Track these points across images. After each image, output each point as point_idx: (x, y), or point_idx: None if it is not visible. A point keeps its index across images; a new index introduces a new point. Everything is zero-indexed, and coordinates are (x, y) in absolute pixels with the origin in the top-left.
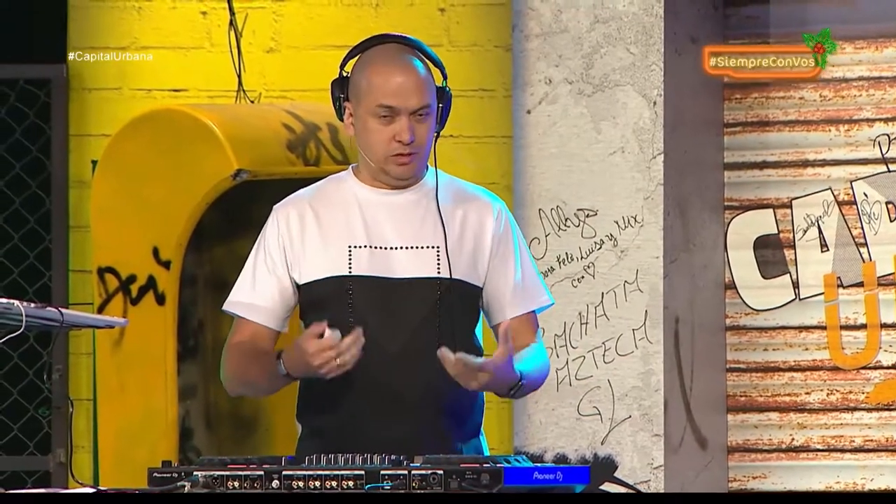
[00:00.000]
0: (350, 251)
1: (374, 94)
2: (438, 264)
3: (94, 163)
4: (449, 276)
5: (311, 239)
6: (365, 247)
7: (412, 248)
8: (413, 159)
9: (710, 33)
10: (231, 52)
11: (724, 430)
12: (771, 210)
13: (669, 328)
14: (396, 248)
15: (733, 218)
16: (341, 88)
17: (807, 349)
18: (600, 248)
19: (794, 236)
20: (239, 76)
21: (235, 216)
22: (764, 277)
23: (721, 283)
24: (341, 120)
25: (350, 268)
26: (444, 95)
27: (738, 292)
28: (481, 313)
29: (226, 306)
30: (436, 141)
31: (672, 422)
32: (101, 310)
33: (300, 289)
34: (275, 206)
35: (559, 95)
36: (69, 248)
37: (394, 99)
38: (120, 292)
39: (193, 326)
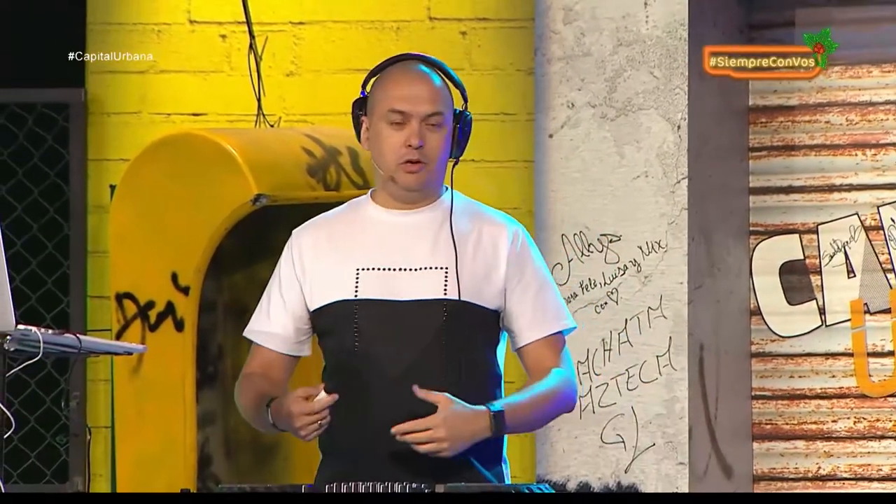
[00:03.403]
0: (358, 274)
1: (386, 100)
2: (446, 286)
3: (113, 187)
4: (457, 298)
5: (324, 263)
6: (373, 269)
7: (421, 269)
8: (422, 169)
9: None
10: (251, 75)
11: (750, 459)
12: (797, 235)
13: (694, 355)
14: (405, 270)
15: (759, 243)
16: (360, 106)
17: (833, 376)
18: (624, 273)
19: (820, 262)
20: (259, 100)
21: (255, 242)
22: (790, 304)
23: (746, 309)
24: (359, 140)
25: (356, 291)
26: (462, 118)
27: (763, 318)
28: (503, 336)
29: (245, 332)
30: (453, 167)
31: (697, 450)
32: (119, 336)
33: (312, 315)
34: (294, 231)
35: (582, 119)
36: (87, 273)
37: (404, 104)
38: (138, 318)
39: (213, 353)
